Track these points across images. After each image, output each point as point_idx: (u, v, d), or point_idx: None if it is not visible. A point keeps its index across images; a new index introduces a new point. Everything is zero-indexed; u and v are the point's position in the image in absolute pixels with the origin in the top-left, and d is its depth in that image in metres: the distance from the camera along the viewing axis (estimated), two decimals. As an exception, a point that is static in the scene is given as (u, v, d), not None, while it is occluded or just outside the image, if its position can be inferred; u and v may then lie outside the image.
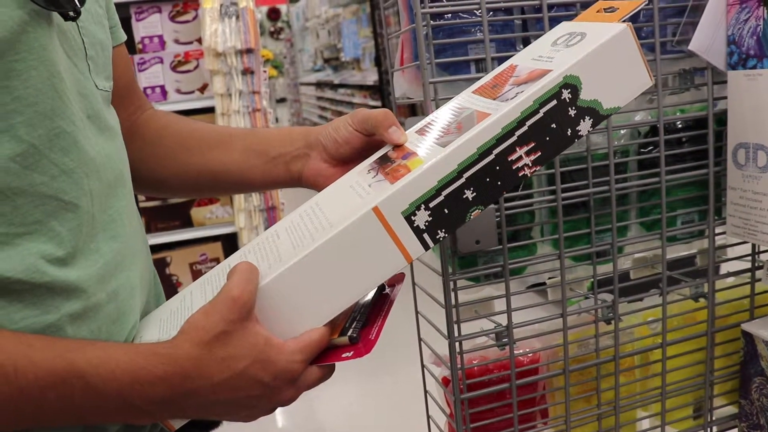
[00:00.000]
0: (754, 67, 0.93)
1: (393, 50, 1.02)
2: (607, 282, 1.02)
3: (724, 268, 1.17)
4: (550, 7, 0.91)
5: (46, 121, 0.61)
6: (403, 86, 0.99)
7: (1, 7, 0.57)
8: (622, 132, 1.01)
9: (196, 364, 0.62)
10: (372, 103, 6.77)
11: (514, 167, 0.68)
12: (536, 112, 0.68)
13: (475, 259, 0.96)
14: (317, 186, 0.85)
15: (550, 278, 1.04)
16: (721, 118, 1.02)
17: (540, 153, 0.68)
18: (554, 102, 0.68)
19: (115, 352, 0.62)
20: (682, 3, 0.98)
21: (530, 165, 0.68)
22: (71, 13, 0.63)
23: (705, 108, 1.01)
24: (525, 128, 0.67)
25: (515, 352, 1.01)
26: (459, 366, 0.97)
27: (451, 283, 0.94)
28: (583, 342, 1.06)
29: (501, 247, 0.94)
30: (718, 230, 1.06)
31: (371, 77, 6.55)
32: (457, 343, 0.96)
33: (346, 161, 0.84)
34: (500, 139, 0.67)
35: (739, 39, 0.94)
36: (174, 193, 1.01)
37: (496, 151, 0.67)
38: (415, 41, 0.88)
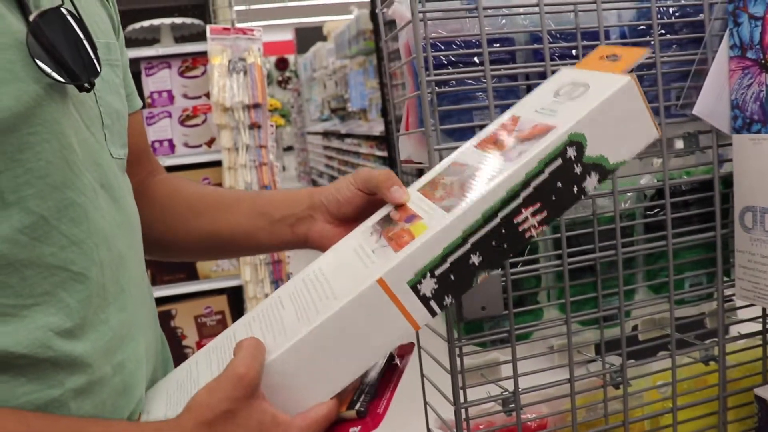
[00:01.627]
0: (758, 132, 0.93)
1: (399, 104, 1.03)
2: (616, 344, 1.01)
3: (735, 329, 1.15)
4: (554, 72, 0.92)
5: (56, 193, 0.62)
6: (408, 149, 1.00)
7: (18, 83, 0.58)
8: (628, 195, 1.01)
9: None
10: (378, 153, 6.82)
11: (520, 229, 0.66)
12: (541, 172, 0.66)
13: (481, 324, 0.95)
14: (323, 247, 0.85)
15: (557, 342, 1.03)
16: (727, 180, 1.01)
17: (546, 213, 0.67)
18: (559, 161, 0.67)
19: (119, 426, 0.62)
20: (685, 68, 0.99)
21: (536, 225, 0.67)
22: (86, 85, 0.64)
23: (711, 170, 1.01)
24: (530, 189, 0.66)
25: (522, 417, 0.99)
26: (465, 433, 0.95)
27: (457, 349, 0.93)
28: (591, 407, 1.04)
29: (507, 312, 0.93)
30: (727, 292, 1.05)
31: (378, 128, 6.61)
32: (463, 410, 0.94)
33: (349, 220, 0.84)
34: (505, 202, 0.66)
35: (743, 104, 0.95)
36: (183, 255, 1.02)
37: (501, 215, 0.66)
38: (420, 107, 0.89)
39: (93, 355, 0.64)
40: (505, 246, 0.66)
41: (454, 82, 0.90)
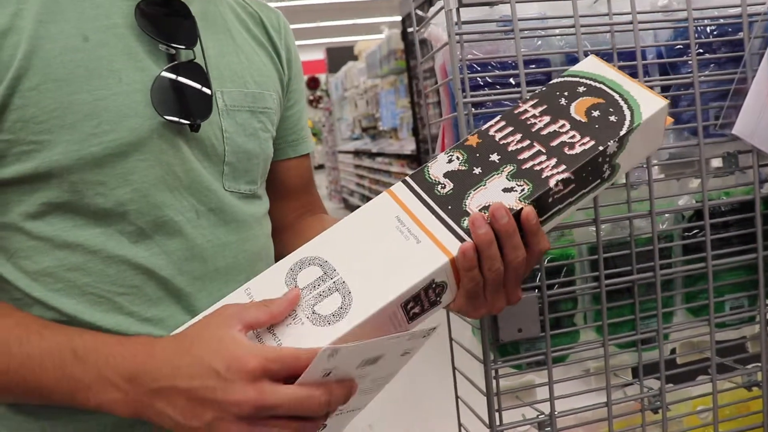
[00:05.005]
0: (800, 152, 0.91)
1: (434, 124, 1.03)
2: (654, 368, 0.99)
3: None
4: (591, 93, 0.92)
5: (154, 210, 0.75)
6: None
7: (137, 118, 0.73)
8: (665, 216, 1.00)
9: (165, 348, 0.67)
10: (410, 171, 6.82)
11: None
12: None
13: (518, 345, 0.94)
14: None
15: (594, 365, 1.02)
16: (768, 201, 1.00)
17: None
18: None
19: (110, 335, 0.72)
20: (724, 87, 0.97)
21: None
22: (194, 126, 0.77)
23: (751, 191, 0.99)
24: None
25: (559, 441, 0.97)
26: (501, 456, 0.94)
27: (493, 371, 0.92)
28: None
29: (543, 334, 0.92)
30: (769, 315, 1.02)
31: (409, 146, 6.62)
32: (499, 433, 0.93)
33: None
34: None
35: (784, 124, 0.93)
36: None
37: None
38: (457, 128, 0.89)
39: None
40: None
41: (490, 104, 0.90)
